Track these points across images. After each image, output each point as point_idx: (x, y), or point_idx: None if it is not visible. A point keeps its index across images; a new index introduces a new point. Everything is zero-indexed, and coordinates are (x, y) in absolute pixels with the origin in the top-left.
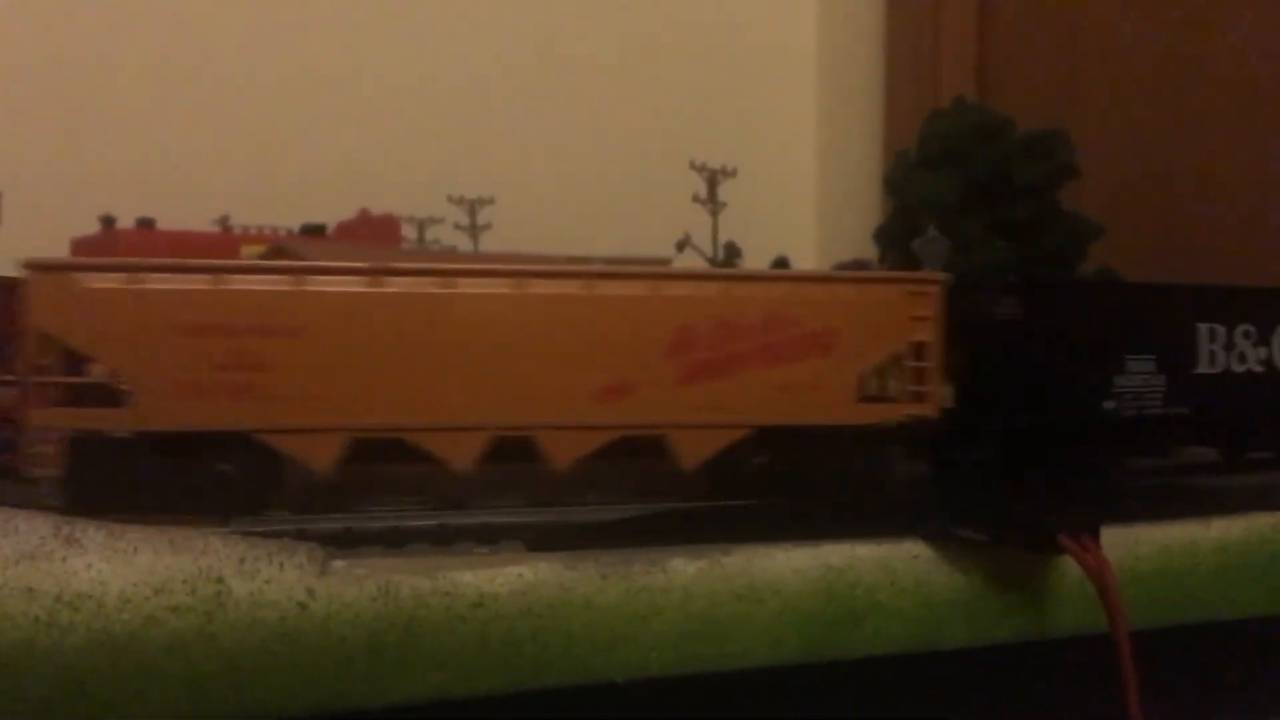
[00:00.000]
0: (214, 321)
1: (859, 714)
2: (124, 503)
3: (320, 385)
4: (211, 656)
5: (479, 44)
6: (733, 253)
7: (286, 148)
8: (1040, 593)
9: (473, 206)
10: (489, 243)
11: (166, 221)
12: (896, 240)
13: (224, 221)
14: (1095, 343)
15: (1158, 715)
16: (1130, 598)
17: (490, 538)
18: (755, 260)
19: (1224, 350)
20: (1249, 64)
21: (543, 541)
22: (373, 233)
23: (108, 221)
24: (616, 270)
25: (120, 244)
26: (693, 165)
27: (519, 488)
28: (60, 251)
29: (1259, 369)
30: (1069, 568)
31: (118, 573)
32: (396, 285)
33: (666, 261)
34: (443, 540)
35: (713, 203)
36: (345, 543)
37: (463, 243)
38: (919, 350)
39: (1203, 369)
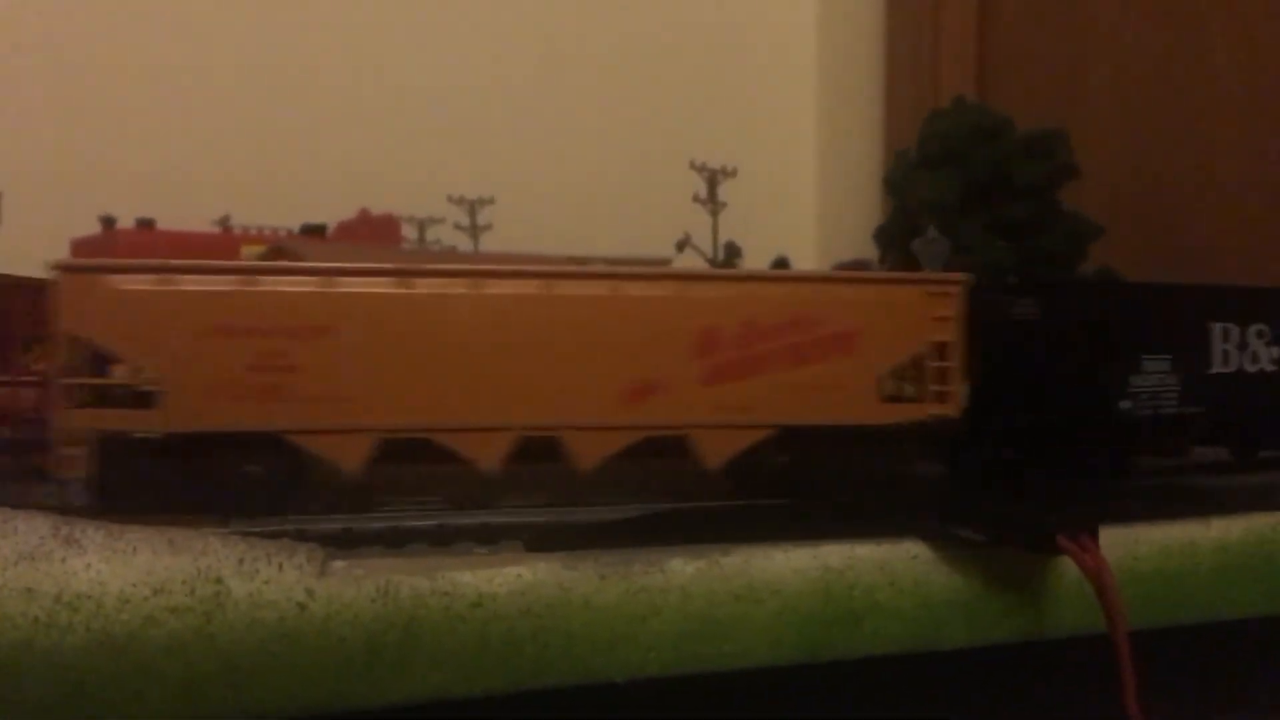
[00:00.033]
0: (244, 323)
1: (859, 714)
2: (152, 504)
3: (350, 386)
4: (210, 657)
5: (479, 44)
6: (733, 253)
7: (286, 148)
8: (1039, 593)
9: (473, 206)
10: (489, 243)
11: (166, 221)
12: (896, 240)
13: (224, 221)
14: (1111, 343)
15: (1157, 715)
16: (1129, 598)
17: (489, 538)
18: (755, 260)
19: (1237, 350)
20: (1249, 64)
21: (542, 542)
22: (373, 233)
23: (108, 221)
24: (643, 272)
25: (120, 244)
26: (693, 165)
27: (543, 487)
28: (60, 251)
29: (1271, 368)
30: (1068, 568)
31: (117, 573)
32: (425, 286)
33: (667, 261)
34: (442, 540)
35: (713, 203)
36: (344, 543)
37: (463, 243)
38: (941, 350)
39: (1216, 369)
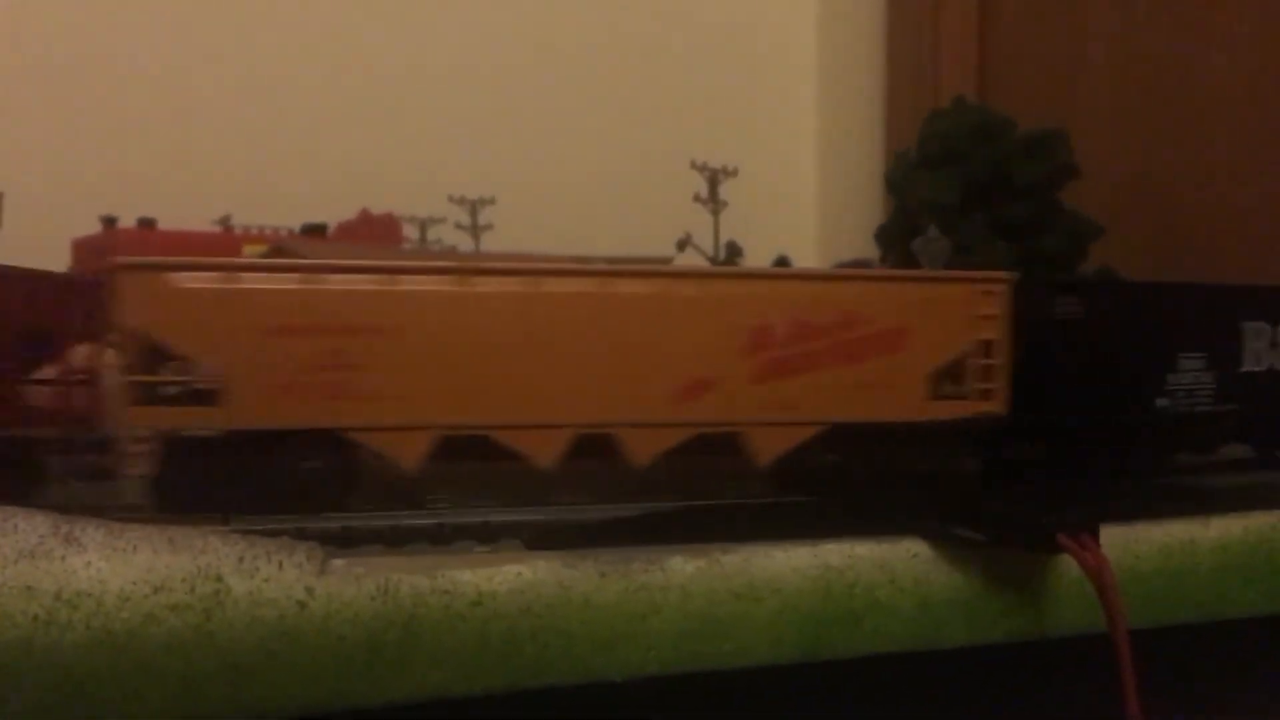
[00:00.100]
0: (306, 321)
1: (859, 714)
2: (209, 502)
3: (410, 384)
4: (210, 655)
5: (479, 44)
6: (734, 252)
7: (287, 148)
8: (1039, 592)
9: (473, 206)
10: (490, 243)
11: (167, 221)
12: (897, 240)
13: (225, 221)
14: (1151, 341)
15: (1157, 715)
16: (1129, 597)
17: (489, 536)
18: (756, 260)
19: (1268, 348)
20: (1248, 65)
21: (541, 540)
22: (373, 233)
23: (108, 221)
24: (696, 271)
25: (121, 244)
26: (693, 165)
27: (589, 485)
28: (60, 252)
29: None
30: (1068, 567)
31: (117, 571)
32: (484, 285)
33: (668, 261)
34: (441, 539)
35: (714, 202)
36: (344, 541)
37: (464, 243)
38: (987, 348)
39: (1248, 367)
